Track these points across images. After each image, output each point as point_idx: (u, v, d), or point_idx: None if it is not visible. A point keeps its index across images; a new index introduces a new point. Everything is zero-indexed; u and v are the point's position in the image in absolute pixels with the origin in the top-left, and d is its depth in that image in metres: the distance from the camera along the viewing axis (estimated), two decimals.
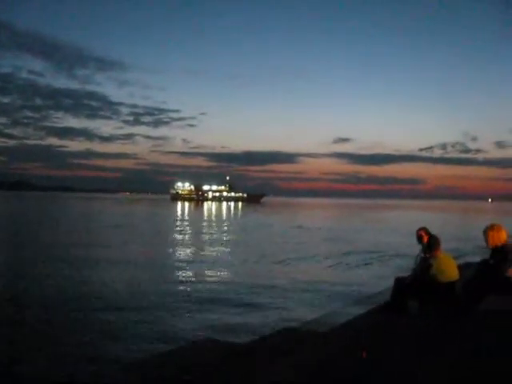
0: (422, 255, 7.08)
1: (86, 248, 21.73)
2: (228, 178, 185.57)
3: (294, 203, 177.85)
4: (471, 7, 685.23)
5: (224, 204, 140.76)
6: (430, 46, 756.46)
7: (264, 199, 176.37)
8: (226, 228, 40.35)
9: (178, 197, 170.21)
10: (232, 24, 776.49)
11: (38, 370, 6.40)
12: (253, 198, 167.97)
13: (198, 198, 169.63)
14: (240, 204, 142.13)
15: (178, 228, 38.20)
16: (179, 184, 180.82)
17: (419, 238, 7.25)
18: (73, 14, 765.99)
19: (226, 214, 72.65)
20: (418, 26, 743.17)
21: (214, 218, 58.88)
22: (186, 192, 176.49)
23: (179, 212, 76.71)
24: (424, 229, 7.37)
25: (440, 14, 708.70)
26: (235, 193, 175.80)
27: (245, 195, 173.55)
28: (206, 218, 57.99)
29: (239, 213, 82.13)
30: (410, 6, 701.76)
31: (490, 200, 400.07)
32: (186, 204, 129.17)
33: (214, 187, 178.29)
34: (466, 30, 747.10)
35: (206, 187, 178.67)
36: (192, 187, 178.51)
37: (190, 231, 35.63)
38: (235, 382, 4.35)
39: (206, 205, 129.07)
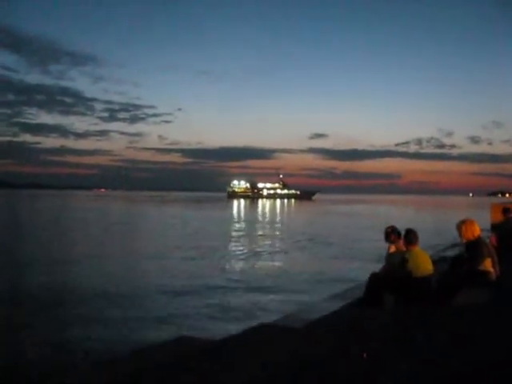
0: (391, 251, 7.11)
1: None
2: (281, 176, 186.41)
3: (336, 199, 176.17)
4: (450, 8, 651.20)
5: (278, 201, 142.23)
6: (405, 43, 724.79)
7: (315, 196, 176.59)
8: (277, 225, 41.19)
9: (234, 194, 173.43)
10: (206, 20, 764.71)
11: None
12: (305, 195, 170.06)
13: (253, 196, 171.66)
14: (293, 201, 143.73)
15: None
16: (235, 182, 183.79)
17: (387, 236, 7.25)
18: (46, 9, 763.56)
19: (280, 211, 74.08)
20: (394, 24, 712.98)
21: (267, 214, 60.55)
22: (241, 190, 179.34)
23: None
24: (392, 227, 7.36)
25: (417, 12, 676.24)
26: (288, 190, 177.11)
27: (298, 192, 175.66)
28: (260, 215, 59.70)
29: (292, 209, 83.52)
30: (386, 3, 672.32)
31: (471, 195, 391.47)
32: (242, 201, 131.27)
33: (269, 185, 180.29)
34: (441, 30, 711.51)
35: (260, 185, 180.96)
36: (248, 185, 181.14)
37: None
38: (202, 381, 4.48)
39: (260, 202, 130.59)
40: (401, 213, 66.31)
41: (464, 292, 6.13)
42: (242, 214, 63.94)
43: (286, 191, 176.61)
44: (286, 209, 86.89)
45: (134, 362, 5.40)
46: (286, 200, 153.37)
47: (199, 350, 5.65)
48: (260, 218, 52.56)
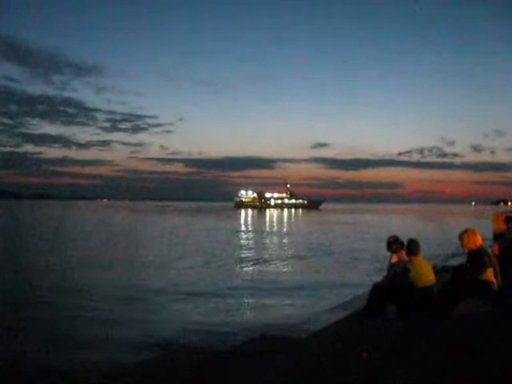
0: (393, 261, 7.12)
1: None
2: (288, 185, 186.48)
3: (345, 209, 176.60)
4: (451, 14, 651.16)
5: (285, 211, 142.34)
6: (407, 51, 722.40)
7: (322, 206, 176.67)
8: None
9: (241, 204, 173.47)
10: (207, 30, 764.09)
11: None
12: (312, 205, 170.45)
13: (261, 206, 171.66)
14: (300, 211, 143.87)
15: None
16: (243, 192, 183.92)
17: (389, 246, 7.27)
18: (49, 20, 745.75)
19: (287, 220, 74.28)
20: (394, 31, 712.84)
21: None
22: (249, 200, 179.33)
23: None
24: (394, 236, 7.38)
25: (417, 19, 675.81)
26: (296, 200, 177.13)
27: (305, 202, 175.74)
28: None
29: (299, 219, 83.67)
30: (386, 11, 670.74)
31: (473, 203, 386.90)
32: (250, 211, 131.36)
33: (276, 195, 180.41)
34: (442, 37, 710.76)
35: (268, 195, 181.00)
36: (255, 195, 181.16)
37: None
38: None
39: (268, 212, 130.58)
40: (404, 222, 66.36)
41: (466, 302, 6.12)
42: (249, 223, 63.95)
43: (293, 201, 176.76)
44: (293, 218, 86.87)
45: (142, 372, 5.43)
46: (293, 210, 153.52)
47: (204, 359, 5.68)
48: (267, 228, 52.56)
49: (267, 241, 33.60)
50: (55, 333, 8.94)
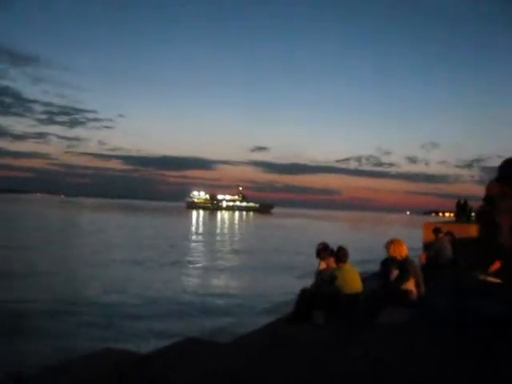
0: (322, 268, 7.22)
1: None
2: (241, 188, 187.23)
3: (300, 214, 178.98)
4: (386, 34, 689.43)
5: (237, 213, 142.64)
6: (347, 60, 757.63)
7: (274, 210, 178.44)
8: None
9: (193, 205, 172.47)
10: (150, 26, 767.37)
11: None
12: (264, 209, 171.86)
13: (212, 207, 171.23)
14: (251, 214, 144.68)
15: None
16: (195, 193, 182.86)
17: (318, 253, 7.35)
18: None
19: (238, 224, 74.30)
20: (336, 43, 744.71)
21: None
22: (201, 200, 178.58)
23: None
24: (323, 243, 7.47)
25: (359, 24, 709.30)
26: (247, 203, 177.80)
27: (257, 205, 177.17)
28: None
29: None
30: (330, 17, 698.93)
31: (408, 213, 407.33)
32: (201, 212, 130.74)
33: (228, 197, 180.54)
34: (381, 49, 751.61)
35: (220, 196, 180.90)
36: (207, 196, 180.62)
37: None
38: None
39: (219, 214, 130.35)
40: (339, 228, 68.23)
41: (387, 311, 6.27)
42: (198, 226, 63.46)
43: (245, 204, 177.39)
44: (243, 222, 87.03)
45: (62, 375, 5.20)
46: (244, 213, 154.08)
47: (126, 362, 5.50)
48: (217, 231, 52.40)
49: (216, 246, 33.53)
50: None
